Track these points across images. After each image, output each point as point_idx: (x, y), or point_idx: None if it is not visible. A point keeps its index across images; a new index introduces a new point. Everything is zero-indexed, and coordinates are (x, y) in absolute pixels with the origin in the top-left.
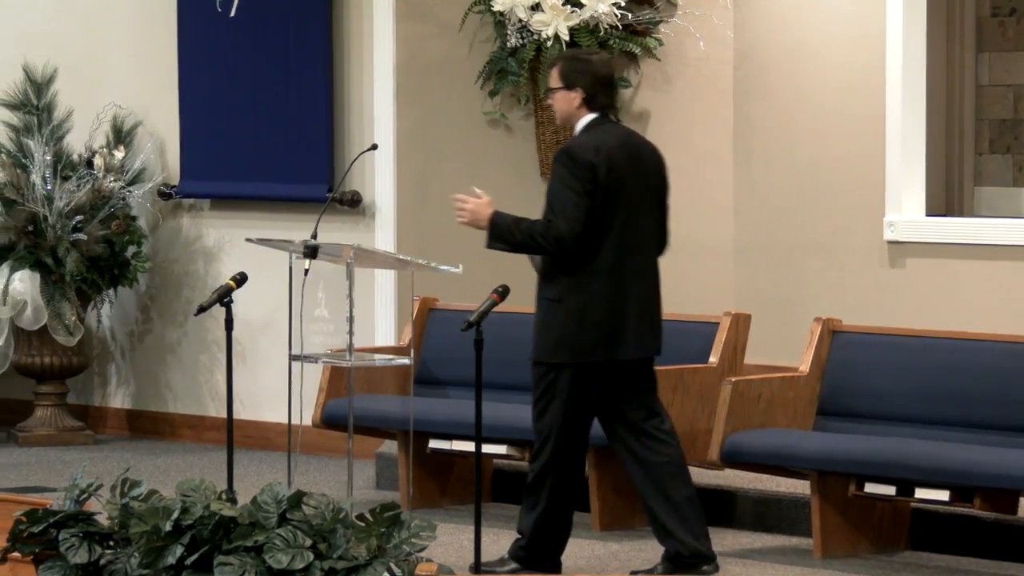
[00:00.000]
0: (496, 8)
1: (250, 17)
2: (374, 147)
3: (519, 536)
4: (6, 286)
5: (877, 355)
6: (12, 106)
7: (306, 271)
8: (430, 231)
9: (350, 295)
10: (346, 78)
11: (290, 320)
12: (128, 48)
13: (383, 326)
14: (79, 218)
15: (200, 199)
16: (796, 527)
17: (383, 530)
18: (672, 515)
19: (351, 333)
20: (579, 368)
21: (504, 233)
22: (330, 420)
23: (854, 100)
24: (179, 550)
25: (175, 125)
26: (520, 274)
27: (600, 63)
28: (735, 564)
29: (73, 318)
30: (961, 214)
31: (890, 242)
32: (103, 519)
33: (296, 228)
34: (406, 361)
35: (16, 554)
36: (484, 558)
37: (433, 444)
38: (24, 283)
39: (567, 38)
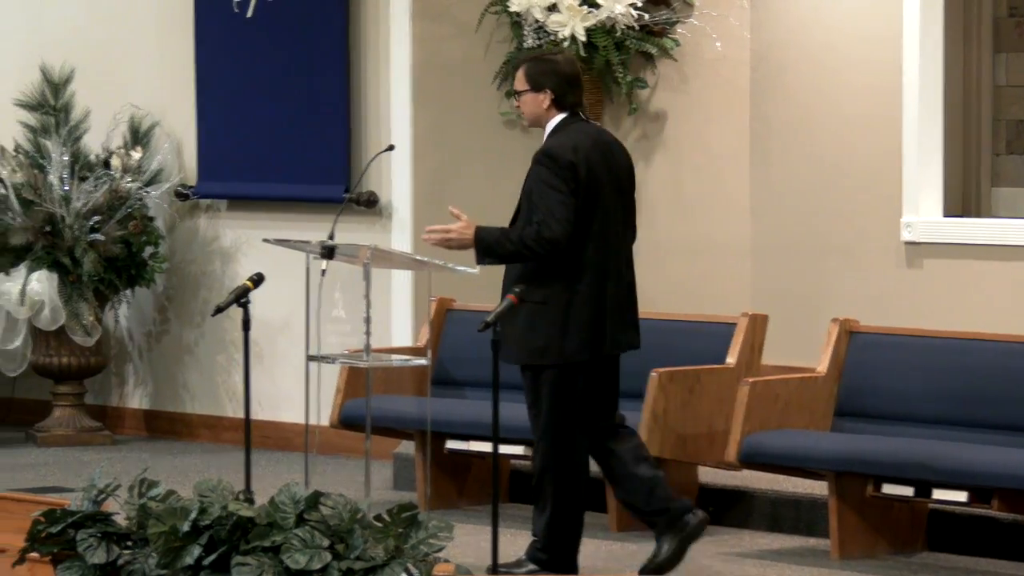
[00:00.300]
0: (513, 9)
1: (267, 18)
2: (391, 148)
3: (535, 538)
4: (24, 287)
5: (894, 356)
6: (29, 107)
7: (323, 272)
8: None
9: (367, 296)
10: (363, 79)
11: (307, 321)
12: (146, 48)
13: (400, 327)
14: (96, 219)
15: (217, 199)
16: (813, 528)
17: (401, 531)
18: (646, 489)
19: (368, 334)
20: (568, 368)
21: (493, 246)
22: (347, 420)
23: (871, 100)
24: (197, 550)
25: (192, 126)
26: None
27: (565, 62)
28: (752, 565)
29: (91, 318)
30: (978, 215)
31: (907, 243)
32: (121, 519)
33: (313, 229)
34: (423, 362)
35: (34, 554)
36: (501, 559)
37: (450, 444)
38: (42, 283)
39: (584, 39)
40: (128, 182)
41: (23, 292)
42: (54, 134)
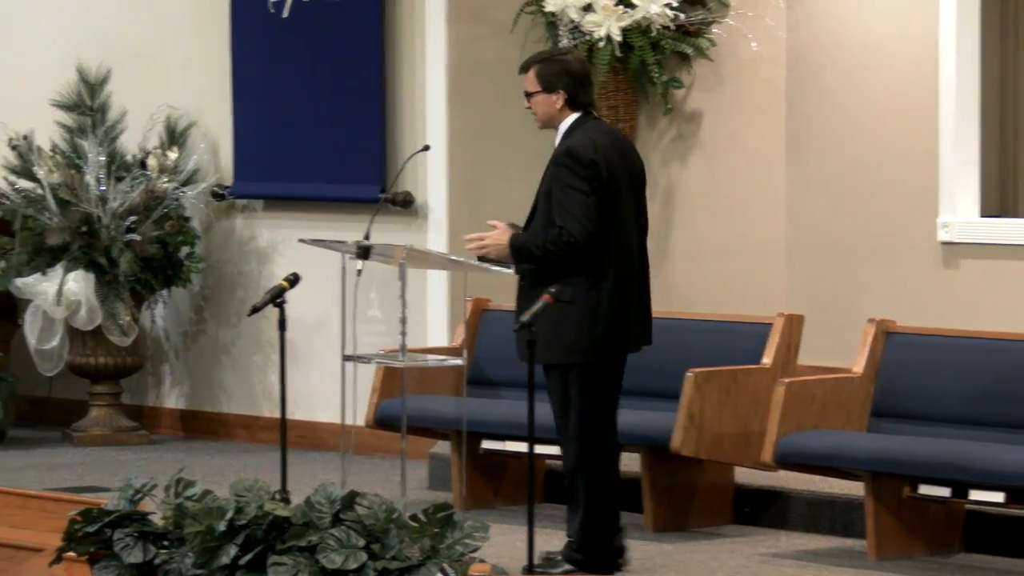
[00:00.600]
0: (548, 9)
1: (303, 18)
2: (426, 148)
3: (569, 539)
4: (61, 286)
5: (931, 356)
6: (66, 107)
7: (359, 272)
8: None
9: (403, 296)
10: (398, 79)
11: (343, 321)
12: (182, 49)
13: (436, 327)
14: (133, 219)
15: (253, 200)
16: (850, 529)
17: (436, 531)
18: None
19: (404, 334)
20: (597, 365)
21: (525, 253)
22: (383, 420)
23: (907, 100)
24: (233, 550)
25: (228, 126)
26: None
27: (576, 61)
28: (789, 566)
29: (127, 318)
30: (1016, 215)
31: (944, 243)
32: (157, 519)
33: (349, 229)
34: (459, 362)
35: (71, 554)
36: (537, 559)
37: (486, 444)
38: (78, 283)
39: (619, 39)
40: (164, 182)
41: (60, 292)
42: (91, 134)
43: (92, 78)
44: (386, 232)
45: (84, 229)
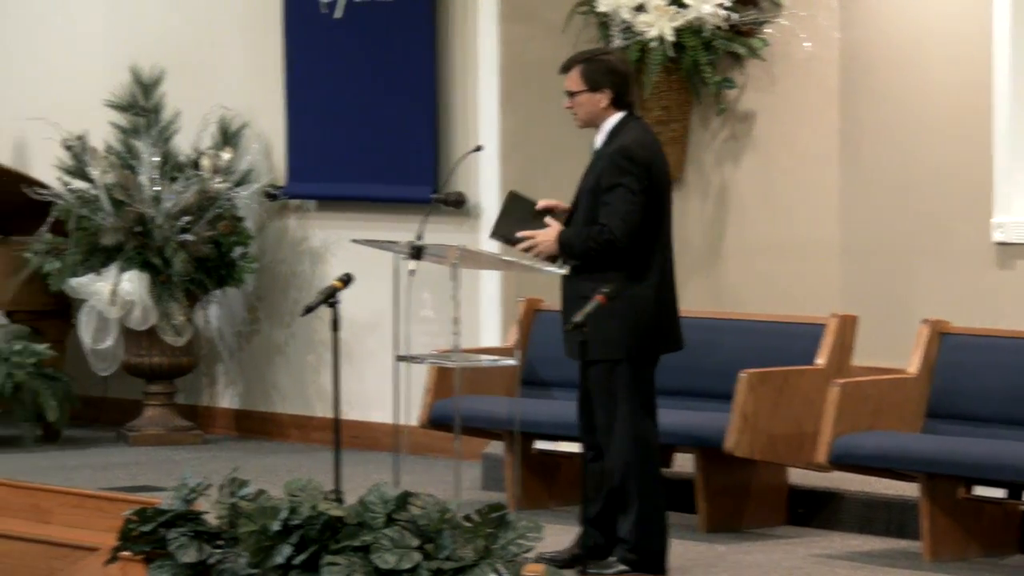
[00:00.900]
0: (600, 9)
1: (355, 19)
2: (479, 148)
3: (623, 541)
4: (115, 287)
5: (986, 357)
6: (120, 107)
7: (412, 272)
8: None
9: (455, 296)
10: (450, 79)
11: (396, 321)
12: (235, 49)
13: (488, 327)
14: (187, 219)
15: (306, 200)
16: (904, 530)
17: (489, 531)
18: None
19: (456, 334)
20: (642, 362)
21: (567, 248)
22: (436, 420)
23: (961, 99)
24: (287, 550)
25: (282, 126)
26: None
27: (620, 61)
28: (843, 567)
29: (181, 318)
30: None
31: (998, 243)
32: (212, 518)
33: (401, 229)
34: (512, 362)
35: (126, 553)
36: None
37: (539, 445)
38: (133, 284)
39: (672, 39)
40: (218, 183)
41: (114, 292)
42: (145, 135)
43: (146, 79)
44: (438, 232)
45: (138, 229)
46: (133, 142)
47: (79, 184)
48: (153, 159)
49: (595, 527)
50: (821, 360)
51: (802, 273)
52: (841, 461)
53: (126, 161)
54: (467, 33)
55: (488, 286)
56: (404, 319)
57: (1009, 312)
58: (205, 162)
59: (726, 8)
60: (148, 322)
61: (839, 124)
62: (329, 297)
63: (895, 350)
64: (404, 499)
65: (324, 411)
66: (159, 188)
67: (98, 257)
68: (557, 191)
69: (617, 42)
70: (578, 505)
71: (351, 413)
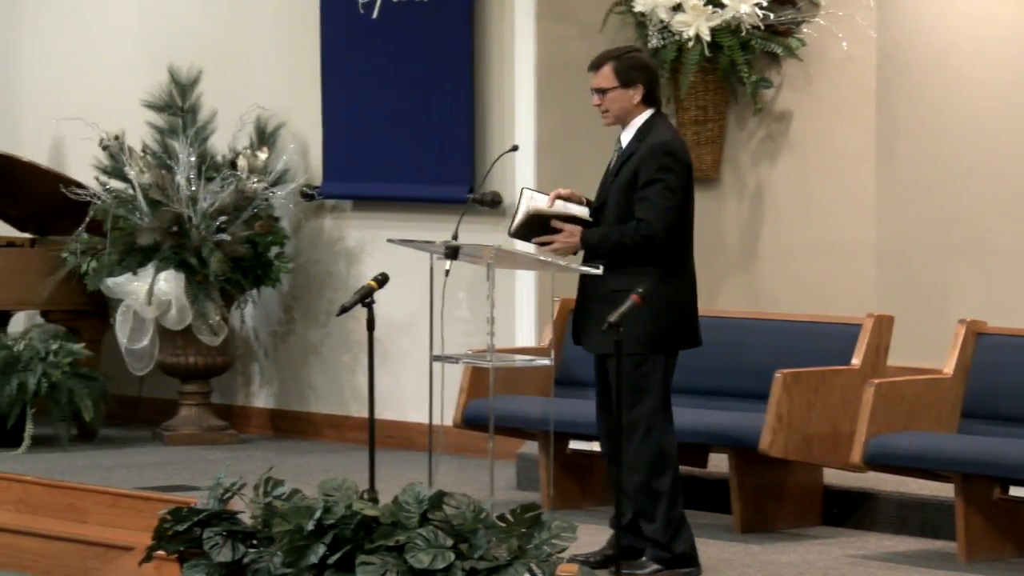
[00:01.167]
0: (637, 9)
1: (392, 19)
2: (515, 148)
3: (651, 541)
4: (151, 286)
5: (1022, 357)
6: (157, 108)
7: (447, 272)
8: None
9: (491, 296)
10: (487, 79)
11: (431, 321)
12: (272, 50)
13: (524, 327)
14: (223, 219)
15: (342, 200)
16: (940, 531)
17: (524, 531)
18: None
19: (492, 334)
20: (670, 356)
21: (596, 247)
22: (471, 420)
23: (998, 99)
24: (321, 549)
25: (318, 126)
26: None
27: (648, 58)
28: (878, 568)
29: (217, 318)
30: None
31: None
32: (246, 518)
33: (437, 229)
34: (547, 362)
35: (161, 552)
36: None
37: (573, 445)
38: (169, 283)
39: (708, 39)
40: (254, 182)
41: (150, 292)
42: (181, 135)
43: (183, 79)
44: (474, 232)
45: (175, 229)
46: (170, 142)
47: (116, 184)
48: (190, 159)
49: (628, 531)
50: (857, 360)
51: (838, 273)
52: (876, 461)
53: (163, 161)
54: (504, 33)
55: (523, 286)
56: (439, 319)
57: None
58: (241, 162)
59: (763, 8)
60: (184, 322)
61: (875, 124)
62: (365, 297)
63: (931, 350)
64: (438, 499)
65: (359, 411)
66: (195, 188)
67: (135, 257)
68: (593, 191)
69: (654, 42)
70: (612, 506)
71: (386, 413)
